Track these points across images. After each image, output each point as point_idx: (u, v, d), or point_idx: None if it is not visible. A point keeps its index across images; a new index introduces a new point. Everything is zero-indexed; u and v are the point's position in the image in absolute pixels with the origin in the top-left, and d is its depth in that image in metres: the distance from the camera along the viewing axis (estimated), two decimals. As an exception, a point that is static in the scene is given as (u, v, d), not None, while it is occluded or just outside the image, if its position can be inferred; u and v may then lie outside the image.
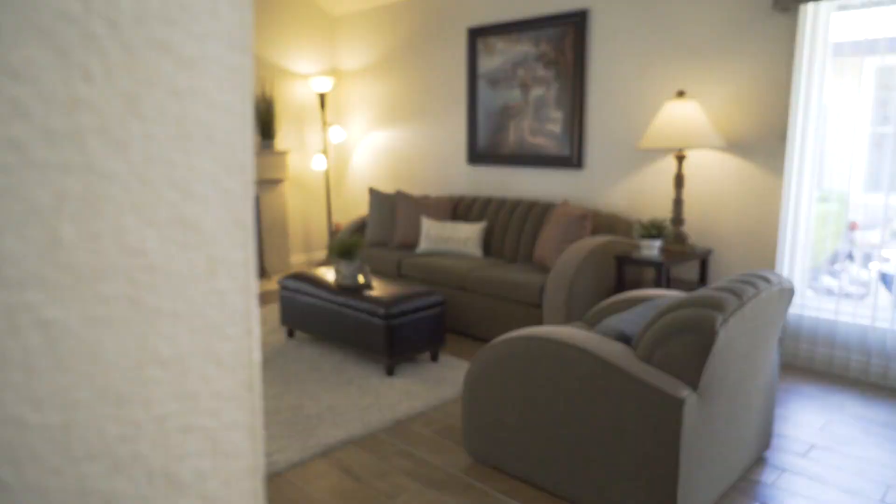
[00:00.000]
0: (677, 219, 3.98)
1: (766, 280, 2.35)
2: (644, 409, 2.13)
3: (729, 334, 2.12)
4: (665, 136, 3.80)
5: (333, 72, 6.57)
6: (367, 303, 3.60)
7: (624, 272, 3.86)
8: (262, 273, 6.05)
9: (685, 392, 2.07)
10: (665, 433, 2.09)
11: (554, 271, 3.84)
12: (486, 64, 5.19)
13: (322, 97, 6.18)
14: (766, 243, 3.91)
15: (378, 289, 3.79)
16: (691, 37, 4.06)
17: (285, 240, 6.19)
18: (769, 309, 2.35)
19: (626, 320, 2.46)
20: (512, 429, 2.54)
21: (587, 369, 2.27)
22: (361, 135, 6.43)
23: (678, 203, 3.97)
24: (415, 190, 5.95)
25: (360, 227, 5.34)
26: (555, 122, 4.80)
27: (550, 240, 4.24)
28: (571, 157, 4.73)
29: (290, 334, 4.25)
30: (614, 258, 3.88)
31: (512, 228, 4.71)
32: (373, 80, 6.22)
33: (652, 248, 3.79)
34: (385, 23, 5.99)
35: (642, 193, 4.42)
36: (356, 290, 3.76)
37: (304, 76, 6.34)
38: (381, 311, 3.51)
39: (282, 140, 6.26)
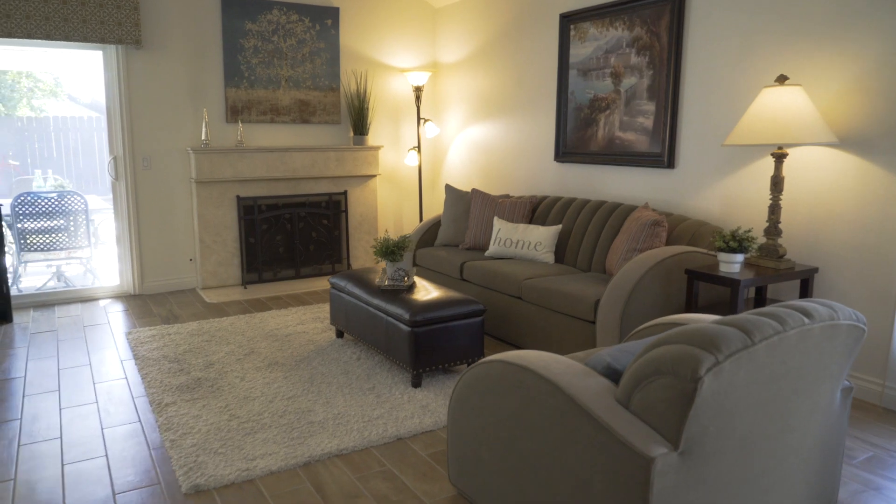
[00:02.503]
0: (772, 229, 3.31)
1: (806, 313, 1.78)
2: (612, 464, 1.69)
3: (726, 381, 1.61)
4: (760, 131, 3.16)
5: (433, 65, 6.41)
6: (396, 307, 3.38)
7: (695, 290, 3.28)
8: (348, 269, 6.05)
9: (660, 450, 1.61)
10: (635, 497, 1.64)
11: (611, 284, 3.36)
12: (578, 52, 4.73)
13: (418, 92, 6.04)
14: (890, 262, 3.12)
15: (418, 293, 3.55)
16: (804, 12, 3.35)
17: (374, 236, 6.14)
18: (807, 351, 1.78)
19: (622, 351, 2.00)
20: (487, 464, 2.18)
21: (555, 407, 1.86)
22: (457, 130, 6.21)
23: (774, 210, 3.30)
24: (504, 189, 5.62)
25: (434, 225, 5.12)
26: (646, 115, 4.24)
27: (619, 248, 3.73)
28: (662, 155, 4.15)
29: (340, 335, 4.14)
30: (685, 273, 3.31)
31: (590, 233, 4.24)
32: (469, 73, 5.97)
33: (731, 264, 3.17)
34: (483, 12, 5.71)
35: (738, 198, 3.75)
36: (393, 293, 3.55)
37: (401, 70, 6.24)
38: (407, 317, 3.27)
39: (375, 136, 6.22)
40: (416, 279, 3.86)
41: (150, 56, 5.07)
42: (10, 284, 5.35)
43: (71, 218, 5.36)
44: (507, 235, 4.48)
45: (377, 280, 3.72)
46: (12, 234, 5.26)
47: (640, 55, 4.25)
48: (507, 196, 4.99)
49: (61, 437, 2.85)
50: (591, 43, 4.61)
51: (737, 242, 3.16)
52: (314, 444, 2.75)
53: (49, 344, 4.08)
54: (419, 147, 6.17)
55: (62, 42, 4.61)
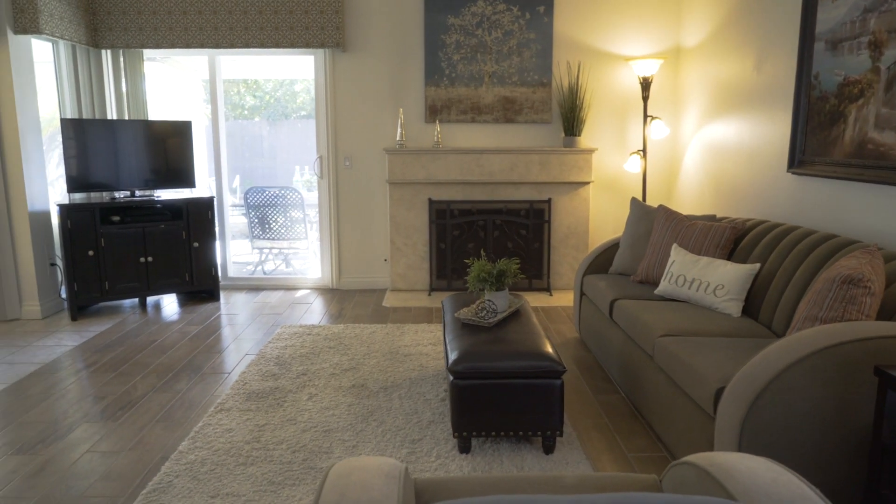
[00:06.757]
0: None
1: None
2: None
3: None
4: None
5: (674, 51, 5.23)
6: (451, 348, 2.73)
7: (889, 400, 1.90)
8: (547, 288, 5.34)
9: None
10: None
11: (741, 372, 2.17)
12: (827, 15, 3.27)
13: (645, 84, 4.99)
14: None
15: (496, 333, 2.83)
16: None
17: (584, 252, 5.31)
18: None
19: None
20: None
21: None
22: (693, 131, 4.96)
23: None
24: (734, 208, 4.28)
25: (612, 247, 4.13)
26: (914, 104, 2.69)
27: (801, 312, 2.42)
28: (931, 169, 2.58)
29: (452, 364, 3.60)
30: (874, 373, 1.95)
31: (797, 281, 2.88)
32: (709, 57, 4.69)
33: (962, 371, 1.74)
34: (732, -22, 4.40)
35: None
36: (469, 329, 2.90)
37: (626, 58, 5.22)
38: (450, 362, 2.61)
39: (591, 136, 5.35)
40: (529, 315, 3.11)
41: (355, 58, 5.17)
42: (256, 267, 6.07)
43: (288, 211, 5.84)
44: (681, 271, 3.34)
45: (461, 311, 3.09)
46: (248, 224, 5.97)
47: (911, 10, 2.70)
48: (713, 217, 3.75)
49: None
50: (844, 0, 3.13)
51: (973, 335, 1.71)
52: (283, 497, 2.35)
53: (215, 328, 4.45)
54: (644, 150, 5.12)
55: (273, 49, 4.97)
